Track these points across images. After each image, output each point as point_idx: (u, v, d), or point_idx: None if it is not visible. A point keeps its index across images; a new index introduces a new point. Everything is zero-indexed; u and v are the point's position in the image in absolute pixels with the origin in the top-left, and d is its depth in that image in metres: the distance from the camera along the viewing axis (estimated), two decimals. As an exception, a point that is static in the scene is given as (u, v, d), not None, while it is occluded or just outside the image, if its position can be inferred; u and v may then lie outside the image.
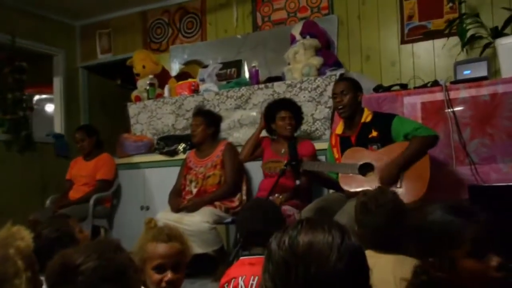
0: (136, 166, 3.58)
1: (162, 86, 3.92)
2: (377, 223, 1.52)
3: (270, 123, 2.93)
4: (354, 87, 2.55)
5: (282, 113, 2.88)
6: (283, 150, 2.85)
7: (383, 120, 2.44)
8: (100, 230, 3.46)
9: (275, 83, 3.45)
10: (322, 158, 2.99)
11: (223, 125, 3.39)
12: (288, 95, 3.33)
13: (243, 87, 3.52)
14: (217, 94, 3.61)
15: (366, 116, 2.50)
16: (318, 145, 3.06)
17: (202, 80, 3.80)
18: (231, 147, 3.12)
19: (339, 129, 2.59)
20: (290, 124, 2.86)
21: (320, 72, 3.38)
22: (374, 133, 2.43)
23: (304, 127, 3.25)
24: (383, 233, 1.50)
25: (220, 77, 3.81)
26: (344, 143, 2.51)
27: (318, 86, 3.32)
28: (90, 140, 3.38)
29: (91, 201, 3.31)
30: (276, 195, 2.68)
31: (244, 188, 3.10)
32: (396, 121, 2.41)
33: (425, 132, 2.32)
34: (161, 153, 3.53)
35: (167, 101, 3.75)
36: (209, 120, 3.16)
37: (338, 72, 3.27)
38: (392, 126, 2.40)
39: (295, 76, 3.41)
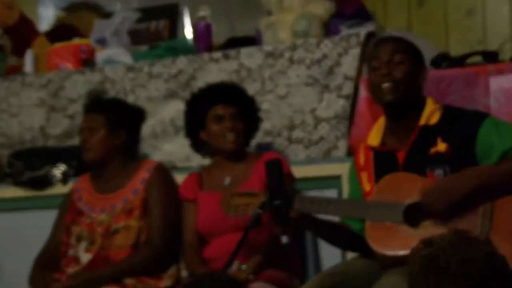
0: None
1: (19, 53, 3.97)
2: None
3: (197, 133, 3.06)
4: (416, 55, 2.54)
5: (219, 110, 2.98)
6: (226, 180, 3.00)
7: (463, 123, 2.43)
8: None
9: (243, 50, 3.47)
10: (331, 192, 3.06)
11: (145, 130, 3.38)
12: (267, 73, 3.39)
13: (181, 57, 3.58)
14: (131, 70, 3.65)
15: (431, 114, 2.49)
16: (326, 168, 3.15)
17: (101, 42, 3.80)
18: (161, 174, 3.13)
19: (374, 136, 2.60)
20: (234, 128, 2.95)
21: (330, 29, 3.40)
22: (441, 146, 2.40)
23: (296, 133, 3.32)
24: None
25: (136, 36, 3.90)
26: (384, 164, 2.51)
27: (325, 57, 3.31)
28: None
29: None
30: (238, 264, 2.76)
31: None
32: (487, 125, 2.38)
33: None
34: (18, 184, 3.59)
35: (31, 82, 3.82)
36: (116, 120, 3.13)
37: (363, 30, 3.28)
38: (479, 136, 2.36)
39: (282, 37, 3.45)
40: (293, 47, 3.33)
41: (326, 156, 3.25)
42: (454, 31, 3.70)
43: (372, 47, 2.66)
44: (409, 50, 2.54)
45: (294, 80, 3.31)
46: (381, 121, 2.57)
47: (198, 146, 3.09)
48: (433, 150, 2.41)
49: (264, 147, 3.30)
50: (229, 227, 2.88)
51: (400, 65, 2.48)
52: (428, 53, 3.02)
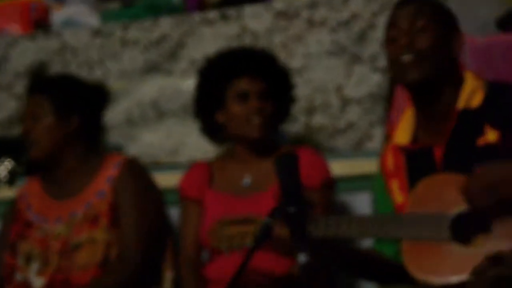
0: None
1: None
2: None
3: (212, 113, 3.10)
4: (446, 17, 2.59)
5: (243, 84, 3.02)
6: (245, 179, 3.04)
7: None
8: None
9: (247, 9, 3.58)
10: (362, 196, 3.15)
11: (117, 115, 3.34)
12: (278, 39, 3.46)
13: (164, 18, 3.66)
14: (99, 35, 3.73)
15: (472, 93, 2.55)
16: (356, 164, 3.23)
17: None
18: (133, 170, 3.20)
19: (402, 132, 2.66)
20: (262, 111, 3.00)
21: None
22: (492, 135, 2.45)
23: (317, 118, 3.36)
24: None
25: None
26: (418, 166, 2.56)
27: (354, 17, 3.39)
28: None
29: None
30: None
31: (168, 274, 3.19)
32: None
33: None
34: None
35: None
36: (65, 102, 3.19)
37: None
38: None
39: None
40: (313, 4, 3.38)
41: (357, 149, 3.32)
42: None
43: (392, 10, 2.68)
44: (435, 12, 2.58)
45: (314, 48, 3.36)
46: (409, 112, 2.64)
47: (212, 130, 3.13)
48: (481, 141, 2.45)
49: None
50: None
51: (423, 33, 2.52)
52: (493, 10, 3.12)
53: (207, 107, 3.09)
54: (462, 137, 2.50)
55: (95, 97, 3.30)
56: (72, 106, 3.19)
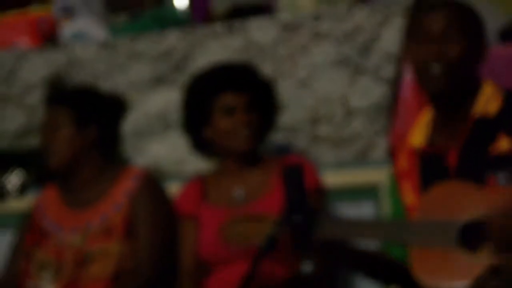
0: None
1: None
2: None
3: (199, 129, 3.12)
4: (478, 27, 2.57)
5: (228, 99, 3.05)
6: (237, 191, 3.08)
7: None
8: None
9: (252, 21, 3.59)
10: (367, 205, 3.16)
11: (125, 126, 3.43)
12: (283, 51, 3.48)
13: (171, 31, 3.66)
14: (107, 48, 3.74)
15: (488, 101, 2.55)
16: (360, 174, 3.25)
17: (67, 11, 3.86)
18: (151, 184, 3.21)
19: (418, 134, 2.66)
20: (249, 123, 3.03)
21: None
22: (505, 143, 2.46)
23: (321, 128, 3.39)
24: None
25: (113, 3, 3.97)
26: (432, 169, 2.57)
27: (358, 29, 3.39)
28: None
29: None
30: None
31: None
32: None
33: None
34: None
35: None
36: (85, 113, 3.22)
37: None
38: None
39: (302, 3, 3.56)
40: (317, 17, 3.41)
41: (361, 159, 3.31)
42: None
43: (418, 12, 2.66)
44: (469, 21, 2.55)
45: (318, 59, 3.37)
46: (427, 114, 2.62)
47: (201, 146, 3.14)
48: (494, 148, 2.45)
49: (281, 149, 3.34)
50: (236, 254, 2.93)
51: (456, 42, 2.50)
52: (495, 22, 3.10)
53: (194, 124, 3.10)
54: (476, 144, 2.49)
55: (113, 107, 3.30)
56: (91, 117, 3.20)
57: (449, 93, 2.52)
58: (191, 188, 3.18)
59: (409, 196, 2.59)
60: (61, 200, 3.26)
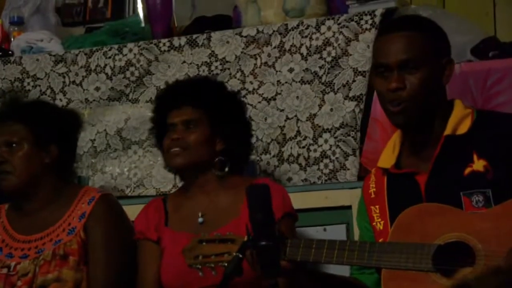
0: None
1: None
2: None
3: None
4: (434, 43, 2.58)
5: (170, 117, 3.09)
6: (201, 216, 3.05)
7: (503, 131, 2.52)
8: None
9: (215, 35, 3.58)
10: (337, 228, 3.14)
11: (79, 145, 3.44)
12: (248, 66, 3.49)
13: (130, 44, 3.66)
14: (61, 62, 3.73)
15: (459, 121, 2.56)
16: (330, 196, 3.22)
17: (17, 22, 3.88)
18: (108, 208, 3.18)
19: (387, 156, 2.66)
20: (180, 140, 3.03)
21: (334, 5, 3.50)
22: (479, 164, 2.48)
23: (289, 148, 3.40)
24: None
25: (68, 14, 3.98)
26: (400, 192, 2.59)
27: (327, 44, 3.39)
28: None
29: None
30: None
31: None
32: None
33: None
34: None
35: None
36: (44, 131, 3.18)
37: (380, 7, 3.33)
38: None
39: (268, 16, 3.54)
40: (284, 31, 3.39)
41: (330, 180, 3.29)
42: (506, 8, 3.71)
43: (378, 40, 2.65)
44: (428, 44, 2.53)
45: (285, 76, 3.37)
46: (396, 136, 2.61)
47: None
48: (467, 170, 2.45)
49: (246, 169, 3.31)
50: (200, 282, 2.89)
51: (414, 72, 2.49)
52: (469, 37, 3.11)
53: (159, 141, 3.14)
54: (447, 164, 2.49)
55: (71, 124, 3.28)
56: (51, 135, 3.17)
57: (412, 123, 2.51)
58: (151, 209, 3.15)
59: (378, 222, 2.59)
60: (11, 225, 3.20)
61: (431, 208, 2.44)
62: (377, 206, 2.60)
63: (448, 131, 2.51)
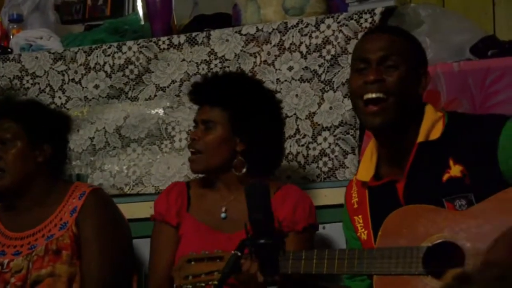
0: None
1: None
2: None
3: None
4: (412, 52, 2.61)
5: (198, 113, 3.11)
6: (222, 213, 3.05)
7: (476, 134, 2.52)
8: None
9: (215, 33, 3.56)
10: (336, 227, 3.12)
11: (80, 143, 3.54)
12: (247, 64, 3.47)
13: (129, 42, 3.65)
14: (60, 59, 3.71)
15: (431, 126, 2.59)
16: (329, 194, 3.23)
17: (17, 20, 3.86)
18: (98, 202, 3.18)
19: (365, 168, 2.70)
20: (194, 142, 3.05)
21: (334, 4, 3.49)
22: (456, 170, 2.50)
23: (288, 147, 3.37)
24: None
25: (67, 12, 3.99)
26: (381, 202, 2.61)
27: (327, 42, 3.37)
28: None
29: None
30: None
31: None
32: (509, 131, 2.47)
33: None
34: None
35: None
36: (37, 130, 3.20)
37: (379, 6, 3.32)
38: (500, 147, 2.46)
39: (268, 15, 3.52)
40: (284, 29, 3.39)
41: (329, 178, 3.28)
42: (505, 7, 3.71)
43: (359, 41, 2.70)
44: (407, 48, 2.56)
45: (285, 74, 3.36)
46: (372, 146, 2.63)
47: None
48: (446, 176, 2.46)
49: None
50: None
51: (393, 71, 2.51)
52: (468, 36, 3.12)
53: None
54: (423, 170, 2.50)
55: (63, 124, 3.28)
56: (44, 134, 3.17)
57: (388, 126, 2.52)
58: (174, 193, 3.13)
59: (362, 232, 2.60)
60: (2, 223, 3.21)
61: (414, 209, 2.46)
62: (360, 216, 2.61)
63: (421, 137, 2.51)
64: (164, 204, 3.09)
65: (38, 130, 3.16)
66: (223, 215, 3.02)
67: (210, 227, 2.99)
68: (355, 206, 2.65)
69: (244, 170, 2.99)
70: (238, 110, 2.98)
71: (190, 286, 2.68)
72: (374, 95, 2.49)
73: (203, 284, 2.66)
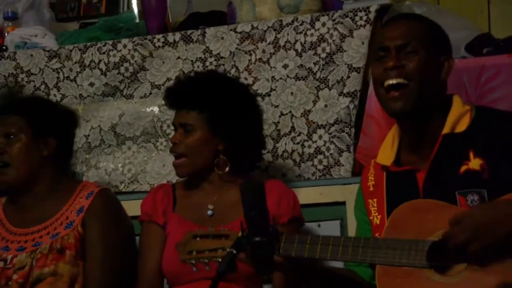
0: None
1: None
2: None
3: None
4: (438, 40, 2.60)
5: (175, 117, 3.11)
6: (210, 209, 3.07)
7: (501, 130, 2.51)
8: None
9: (210, 31, 3.57)
10: (332, 224, 3.15)
11: (79, 139, 3.52)
12: (242, 62, 3.47)
13: (124, 40, 3.64)
14: (55, 57, 3.71)
15: (457, 118, 2.57)
16: (325, 192, 3.22)
17: (11, 17, 3.87)
18: (107, 203, 3.19)
19: (386, 152, 2.66)
20: (175, 146, 3.06)
21: (327, 4, 3.46)
22: (475, 163, 2.48)
23: (283, 144, 3.40)
24: None
25: (62, 10, 3.95)
26: (399, 188, 2.59)
27: (322, 40, 3.38)
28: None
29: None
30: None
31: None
32: None
33: None
34: None
35: None
36: (42, 123, 3.19)
37: (375, 3, 3.32)
38: None
39: (263, 13, 3.52)
40: (279, 27, 3.39)
41: (324, 176, 3.27)
42: (500, 5, 3.72)
43: (380, 29, 2.69)
44: (427, 34, 2.55)
45: (280, 72, 3.36)
46: (394, 131, 2.61)
47: None
48: (463, 168, 2.46)
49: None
50: (197, 274, 2.88)
51: (413, 56, 2.51)
52: (463, 34, 3.12)
53: None
54: (445, 162, 2.48)
55: (68, 119, 3.28)
56: (49, 128, 3.17)
57: (409, 111, 2.51)
58: (160, 193, 3.14)
59: (375, 216, 2.58)
60: (6, 218, 3.20)
61: (425, 204, 2.44)
62: (375, 200, 2.60)
63: (447, 129, 2.51)
64: (150, 205, 3.10)
65: (42, 123, 3.16)
66: (210, 212, 3.03)
67: (196, 223, 2.98)
68: (371, 189, 2.65)
69: (227, 169, 3.01)
70: (215, 111, 2.99)
71: (194, 261, 2.67)
72: (394, 81, 2.49)
73: (206, 260, 2.62)
